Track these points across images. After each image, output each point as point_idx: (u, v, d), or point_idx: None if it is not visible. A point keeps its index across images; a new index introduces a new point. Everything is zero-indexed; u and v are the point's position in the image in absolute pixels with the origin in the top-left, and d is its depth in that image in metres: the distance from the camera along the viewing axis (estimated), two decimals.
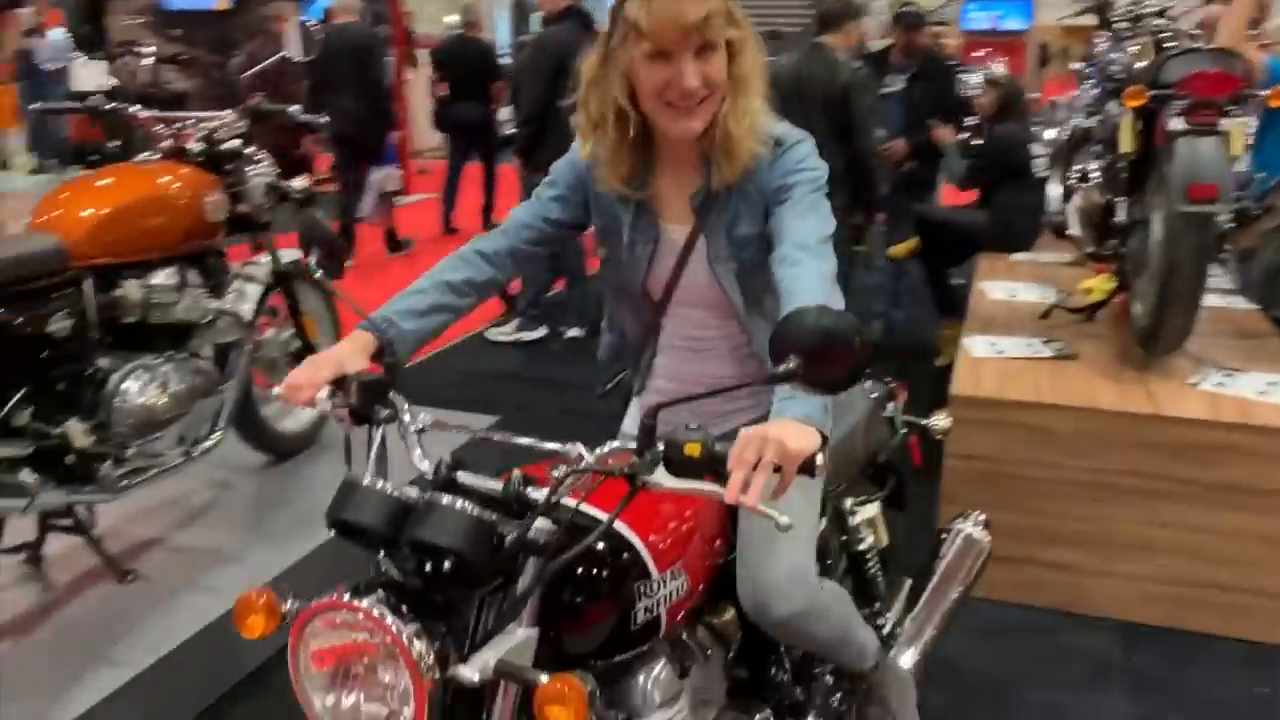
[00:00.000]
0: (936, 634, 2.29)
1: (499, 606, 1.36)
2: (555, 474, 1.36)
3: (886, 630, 2.26)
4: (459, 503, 1.28)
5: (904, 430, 2.48)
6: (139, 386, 2.74)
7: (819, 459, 1.33)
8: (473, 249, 1.79)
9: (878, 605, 2.29)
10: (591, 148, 1.74)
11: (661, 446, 1.32)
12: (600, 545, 1.44)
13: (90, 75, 8.83)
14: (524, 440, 1.43)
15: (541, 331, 5.87)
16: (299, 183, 3.30)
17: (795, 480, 1.63)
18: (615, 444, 1.37)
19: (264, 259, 3.34)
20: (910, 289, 5.97)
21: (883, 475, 2.39)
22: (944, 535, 2.47)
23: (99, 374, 2.68)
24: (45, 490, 2.47)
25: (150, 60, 7.79)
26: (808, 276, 1.54)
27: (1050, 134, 5.30)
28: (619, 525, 1.47)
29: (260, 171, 3.23)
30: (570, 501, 1.39)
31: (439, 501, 1.28)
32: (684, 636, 1.68)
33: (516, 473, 1.39)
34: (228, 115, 3.14)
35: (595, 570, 1.43)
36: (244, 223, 3.24)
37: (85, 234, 2.68)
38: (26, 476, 2.43)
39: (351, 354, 1.61)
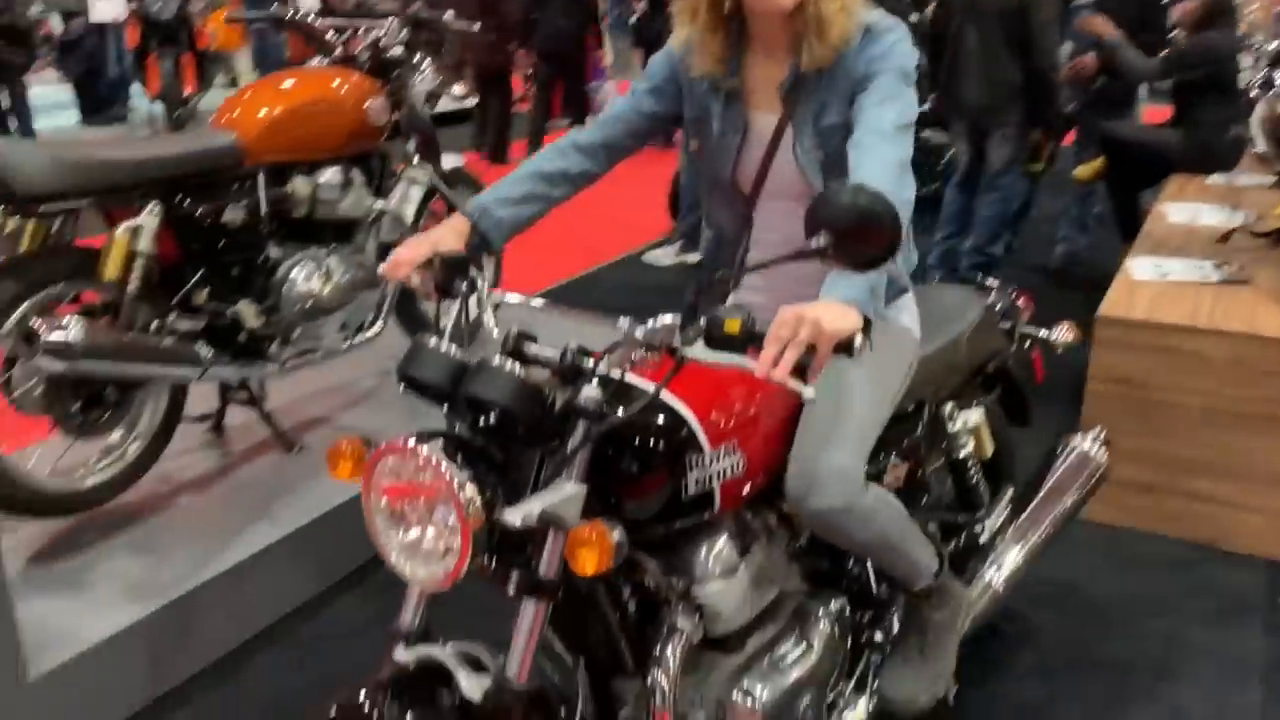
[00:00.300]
0: (1037, 548, 2.27)
1: (553, 466, 1.47)
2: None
3: (984, 539, 2.26)
4: (508, 364, 1.39)
5: (1026, 343, 2.43)
6: (305, 275, 3.00)
7: (857, 340, 1.36)
8: (569, 141, 1.88)
9: (979, 514, 2.29)
10: (686, 34, 1.78)
11: (704, 322, 1.38)
12: (656, 417, 1.53)
13: None
14: (584, 314, 1.52)
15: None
16: (459, 89, 3.46)
17: (862, 380, 1.67)
18: (666, 319, 1.44)
19: (426, 164, 3.54)
20: (1099, 213, 5.66)
21: (994, 384, 2.36)
22: (1059, 450, 2.42)
23: (269, 262, 2.95)
24: (218, 363, 2.76)
25: None
26: (875, 163, 1.55)
27: (1272, 45, 4.89)
28: (673, 399, 1.55)
29: (423, 79, 3.42)
30: (636, 380, 1.48)
31: (490, 362, 1.39)
32: (748, 517, 1.75)
33: (572, 343, 1.49)
34: (389, 22, 3.32)
35: (647, 438, 1.51)
36: (408, 128, 3.44)
37: (259, 133, 2.91)
38: (201, 348, 2.72)
39: (447, 236, 1.74)
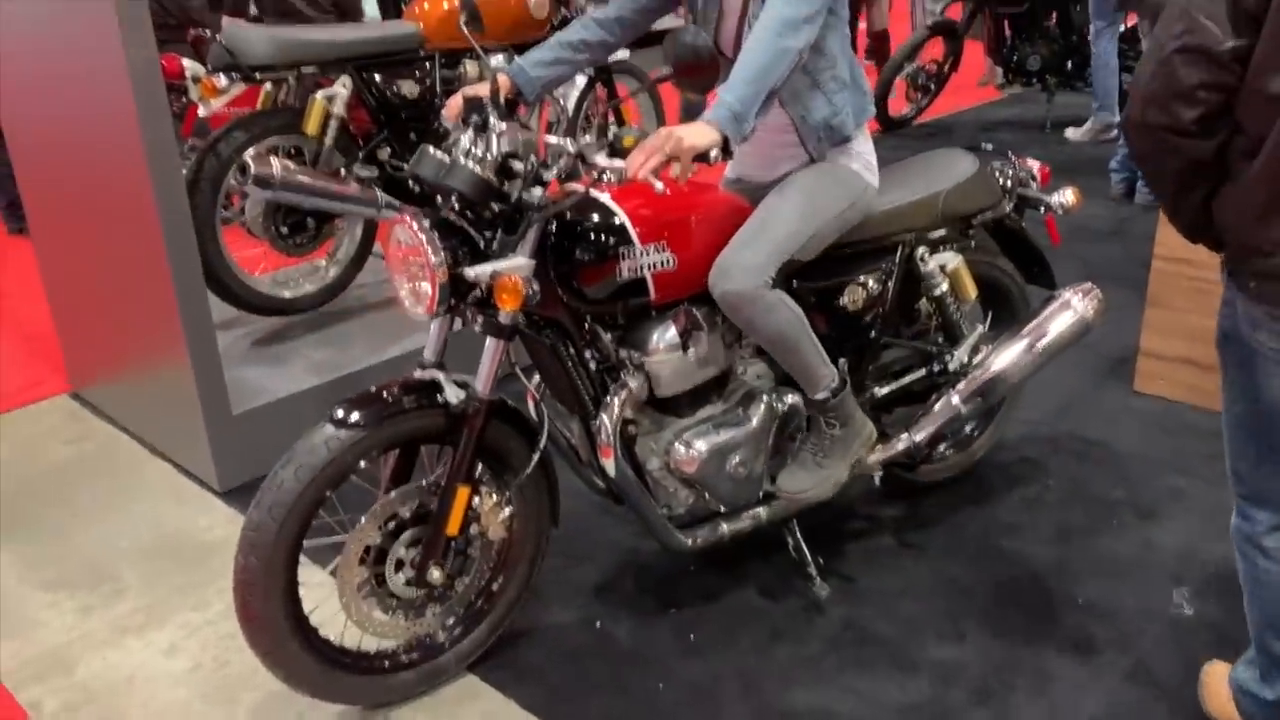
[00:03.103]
0: (1007, 380, 2.58)
1: (514, 247, 2.04)
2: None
3: (952, 367, 2.61)
4: (470, 162, 1.96)
5: (1041, 209, 2.71)
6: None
7: (713, 153, 1.83)
8: (590, 17, 2.39)
9: (955, 347, 2.63)
10: None
11: (610, 138, 1.90)
12: (594, 215, 2.06)
13: None
14: (550, 139, 2.06)
15: None
16: None
17: (791, 204, 2.14)
18: (589, 140, 1.96)
19: None
20: None
21: (998, 238, 2.68)
22: (1051, 298, 2.69)
23: (440, 129, 3.66)
24: (391, 206, 3.51)
25: None
26: (766, 17, 1.95)
27: None
28: (610, 202, 2.08)
29: None
30: (578, 187, 2.02)
31: (458, 161, 1.97)
32: (695, 313, 2.23)
33: (533, 158, 2.03)
34: None
35: (587, 230, 2.05)
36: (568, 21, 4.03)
37: (437, 24, 3.61)
38: (379, 194, 3.48)
39: (481, 87, 2.31)
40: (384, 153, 3.56)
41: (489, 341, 2.06)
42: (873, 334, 2.48)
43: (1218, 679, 2.09)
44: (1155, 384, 3.31)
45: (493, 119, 2.15)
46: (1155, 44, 1.60)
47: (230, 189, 3.25)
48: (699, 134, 1.84)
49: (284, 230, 3.39)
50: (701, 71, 1.76)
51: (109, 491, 3.04)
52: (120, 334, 3.19)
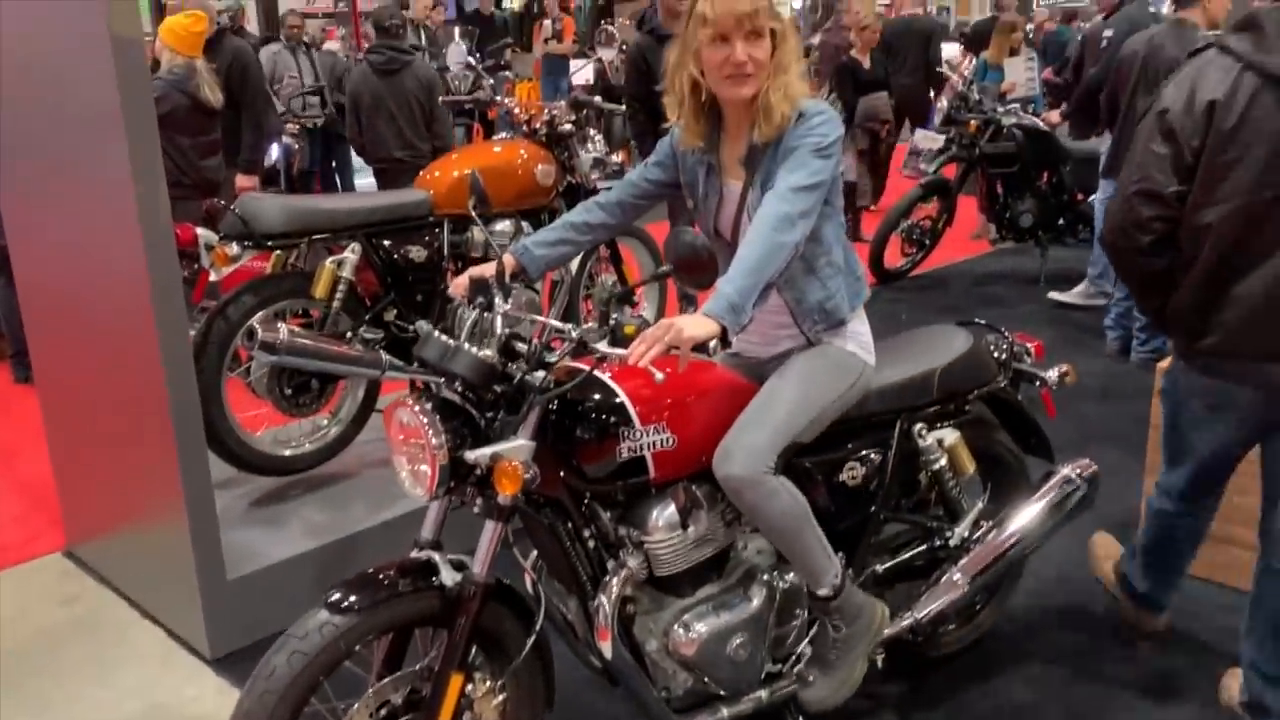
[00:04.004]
0: (1009, 561, 2.57)
1: (515, 428, 2.06)
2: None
3: (953, 543, 2.59)
4: (473, 348, 2.00)
5: (1037, 383, 2.75)
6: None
7: (711, 344, 1.87)
8: (594, 200, 2.48)
9: (956, 522, 2.63)
10: (677, 115, 2.32)
11: (611, 325, 1.94)
12: (595, 395, 2.09)
13: (583, 74, 10.68)
14: (555, 323, 2.10)
15: None
16: (616, 158, 4.15)
17: (791, 389, 2.18)
18: (592, 325, 2.00)
19: None
20: None
21: (994, 411, 2.70)
22: (1050, 474, 2.69)
23: (444, 289, 3.73)
24: (394, 368, 3.54)
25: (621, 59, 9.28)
26: (765, 212, 2.04)
27: None
28: (611, 382, 2.10)
29: (590, 149, 4.14)
30: (581, 366, 2.05)
31: (461, 347, 2.01)
32: (696, 491, 2.24)
33: (535, 341, 2.07)
34: (561, 104, 4.08)
35: (587, 409, 2.08)
36: (577, 189, 4.17)
37: (446, 191, 3.74)
38: (383, 356, 3.52)
39: (488, 267, 2.37)
40: (390, 314, 3.63)
41: (487, 523, 2.06)
42: (872, 508, 2.48)
43: (1100, 544, 2.87)
44: None
45: (497, 299, 2.21)
46: (1121, 186, 2.34)
47: (237, 347, 3.30)
48: (698, 325, 1.88)
49: (288, 391, 3.42)
50: (701, 269, 1.82)
51: (98, 657, 2.98)
52: (119, 493, 3.19)
